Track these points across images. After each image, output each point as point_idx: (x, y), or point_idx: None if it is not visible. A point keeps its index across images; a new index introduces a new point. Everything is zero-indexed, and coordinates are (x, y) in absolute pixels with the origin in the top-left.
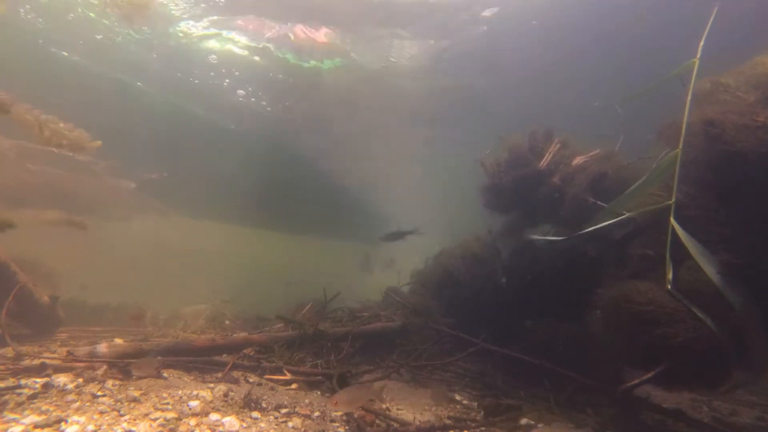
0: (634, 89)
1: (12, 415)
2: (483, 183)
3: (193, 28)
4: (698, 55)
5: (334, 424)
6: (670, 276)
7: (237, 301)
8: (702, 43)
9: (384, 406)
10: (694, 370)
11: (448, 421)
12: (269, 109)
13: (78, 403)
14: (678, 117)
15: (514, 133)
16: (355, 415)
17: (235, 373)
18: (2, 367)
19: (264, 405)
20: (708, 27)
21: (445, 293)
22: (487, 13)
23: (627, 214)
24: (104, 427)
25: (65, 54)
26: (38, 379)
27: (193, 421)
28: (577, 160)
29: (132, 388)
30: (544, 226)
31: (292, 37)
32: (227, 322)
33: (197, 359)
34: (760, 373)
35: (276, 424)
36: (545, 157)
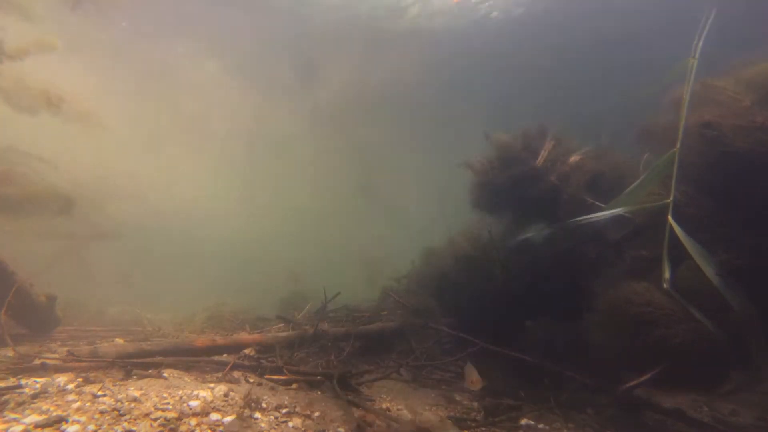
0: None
1: (13, 415)
2: (473, 181)
3: None
4: (696, 55)
5: (334, 423)
6: (667, 276)
7: None
8: (700, 44)
9: (384, 406)
10: (692, 372)
11: (448, 421)
12: None
13: (78, 403)
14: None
15: (504, 132)
16: (355, 415)
17: (236, 373)
18: (2, 367)
19: (264, 405)
20: (706, 28)
21: (443, 294)
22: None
23: (623, 210)
24: (105, 426)
25: None
26: (38, 379)
27: (193, 421)
28: (574, 158)
29: (132, 388)
30: (540, 227)
31: None
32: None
33: (197, 359)
34: (759, 374)
35: (276, 424)
36: (541, 155)
